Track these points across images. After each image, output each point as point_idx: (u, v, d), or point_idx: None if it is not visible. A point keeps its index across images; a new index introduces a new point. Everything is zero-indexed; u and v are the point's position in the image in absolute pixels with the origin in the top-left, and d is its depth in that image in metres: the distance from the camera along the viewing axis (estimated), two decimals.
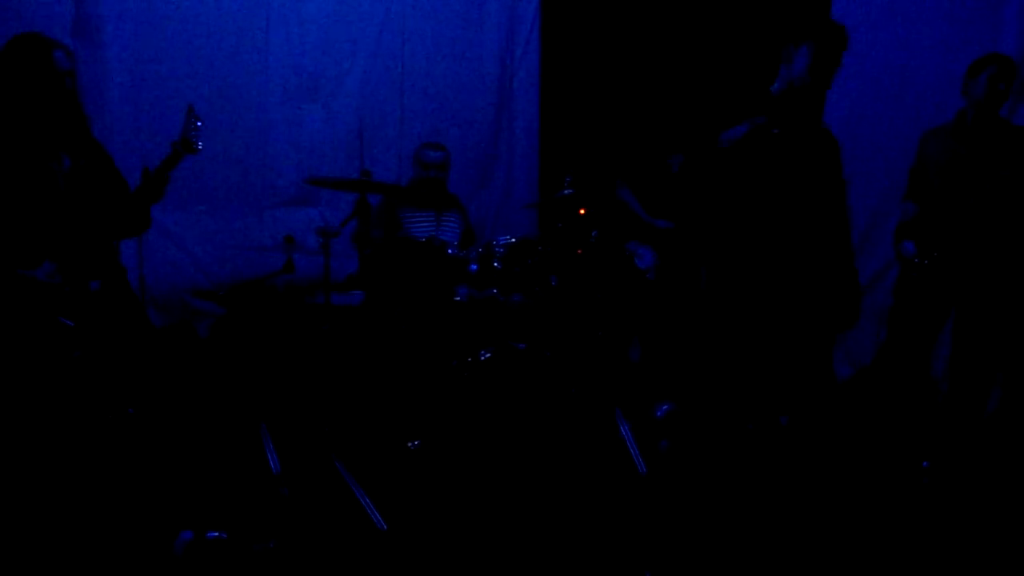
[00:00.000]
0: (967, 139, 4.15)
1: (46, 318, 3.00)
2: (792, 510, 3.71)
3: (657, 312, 4.99)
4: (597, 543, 3.40)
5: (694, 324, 4.98)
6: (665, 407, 4.50)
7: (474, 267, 4.22)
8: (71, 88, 3.20)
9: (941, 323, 4.31)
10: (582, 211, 4.59)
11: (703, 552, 3.38)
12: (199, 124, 3.51)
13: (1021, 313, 4.22)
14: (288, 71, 5.64)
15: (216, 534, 3.15)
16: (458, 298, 4.27)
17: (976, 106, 4.13)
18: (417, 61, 6.02)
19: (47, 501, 3.02)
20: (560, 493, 3.74)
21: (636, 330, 5.16)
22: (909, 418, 4.39)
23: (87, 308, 3.09)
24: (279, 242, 4.35)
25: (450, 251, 4.23)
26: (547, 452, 3.93)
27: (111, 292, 3.23)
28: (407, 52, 5.99)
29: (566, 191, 4.51)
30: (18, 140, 3.11)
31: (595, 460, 3.97)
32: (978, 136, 4.12)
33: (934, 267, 4.15)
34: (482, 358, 4.06)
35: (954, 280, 4.14)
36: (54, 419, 3.04)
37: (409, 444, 3.87)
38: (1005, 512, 3.71)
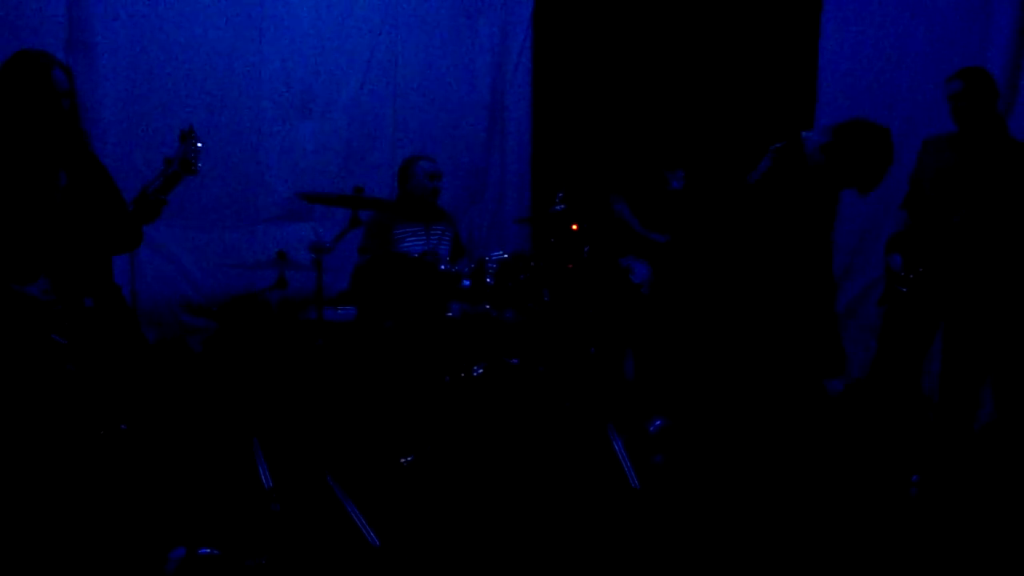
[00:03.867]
0: (959, 150, 4.16)
1: (39, 334, 2.99)
2: (784, 523, 3.71)
3: (651, 326, 4.99)
4: (590, 557, 3.40)
5: (688, 337, 4.98)
6: (658, 422, 4.51)
7: (467, 283, 4.23)
8: (69, 107, 3.20)
9: (930, 337, 4.31)
10: (574, 226, 4.60)
11: (696, 566, 3.37)
12: (199, 145, 3.52)
13: (1009, 326, 4.24)
14: (281, 87, 5.65)
15: (208, 550, 3.14)
16: (451, 314, 4.27)
17: (955, 119, 4.17)
18: (409, 77, 6.04)
19: (39, 517, 3.00)
20: (553, 508, 3.74)
21: (630, 345, 5.16)
22: (900, 431, 4.40)
23: (81, 325, 3.09)
24: (271, 257, 4.34)
25: (442, 267, 4.23)
26: (540, 467, 3.93)
27: (105, 309, 3.22)
28: (399, 68, 6.01)
29: (558, 206, 4.53)
30: (15, 156, 3.11)
31: (588, 475, 3.97)
32: (970, 148, 4.13)
33: (919, 282, 4.16)
34: (475, 374, 4.06)
35: (941, 294, 4.14)
36: (46, 434, 3.03)
37: (402, 460, 3.86)
38: (992, 523, 3.72)
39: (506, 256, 4.28)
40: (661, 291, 5.03)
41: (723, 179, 4.99)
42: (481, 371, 4.07)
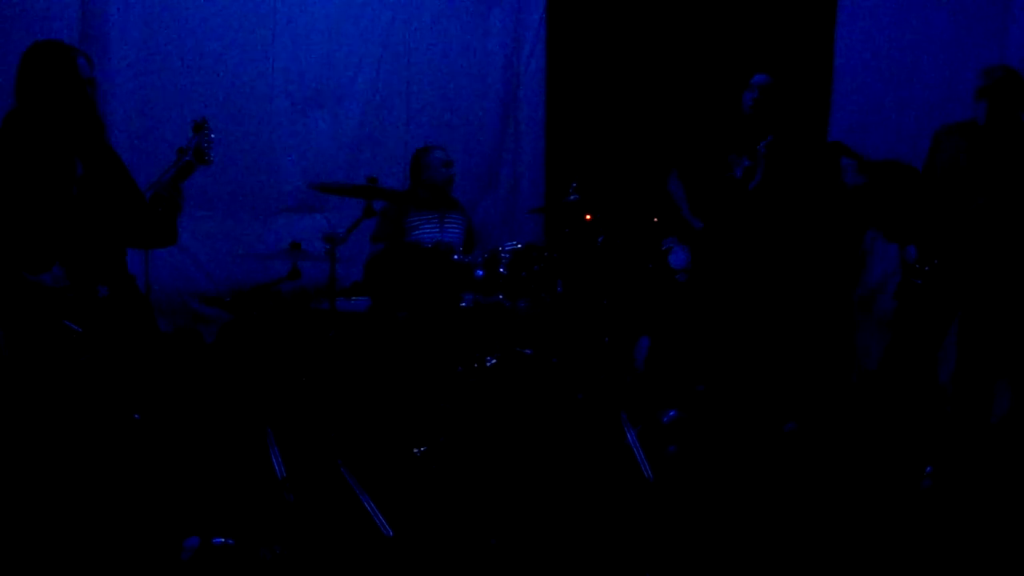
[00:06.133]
0: (973, 139, 4.12)
1: (53, 323, 3.00)
2: (797, 514, 3.70)
3: (680, 314, 4.92)
4: (603, 548, 3.39)
5: (718, 328, 4.93)
6: (671, 413, 4.50)
7: (480, 273, 4.22)
8: (91, 96, 3.21)
9: (945, 328, 4.28)
10: (588, 217, 4.58)
11: (708, 557, 3.37)
12: (212, 136, 3.54)
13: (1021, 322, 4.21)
14: (294, 78, 5.65)
15: (222, 540, 3.15)
16: (464, 304, 4.27)
17: (986, 111, 4.12)
18: (422, 68, 6.03)
19: (54, 506, 3.02)
20: (566, 498, 3.73)
21: (647, 330, 5.10)
22: (914, 423, 4.37)
23: (95, 313, 3.09)
24: (285, 248, 4.34)
25: (456, 257, 4.23)
26: (553, 458, 3.93)
27: (120, 298, 3.23)
28: (413, 59, 5.99)
29: (572, 197, 4.51)
30: (36, 145, 3.10)
31: (601, 466, 3.97)
32: (988, 137, 4.09)
33: (934, 274, 4.13)
34: (488, 364, 4.06)
35: (956, 286, 4.11)
36: (61, 424, 3.04)
37: (415, 450, 3.86)
38: (1005, 517, 3.70)
39: (520, 246, 4.27)
40: (698, 279, 4.94)
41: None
42: (494, 361, 4.07)
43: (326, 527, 3.42)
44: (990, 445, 4.26)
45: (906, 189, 4.21)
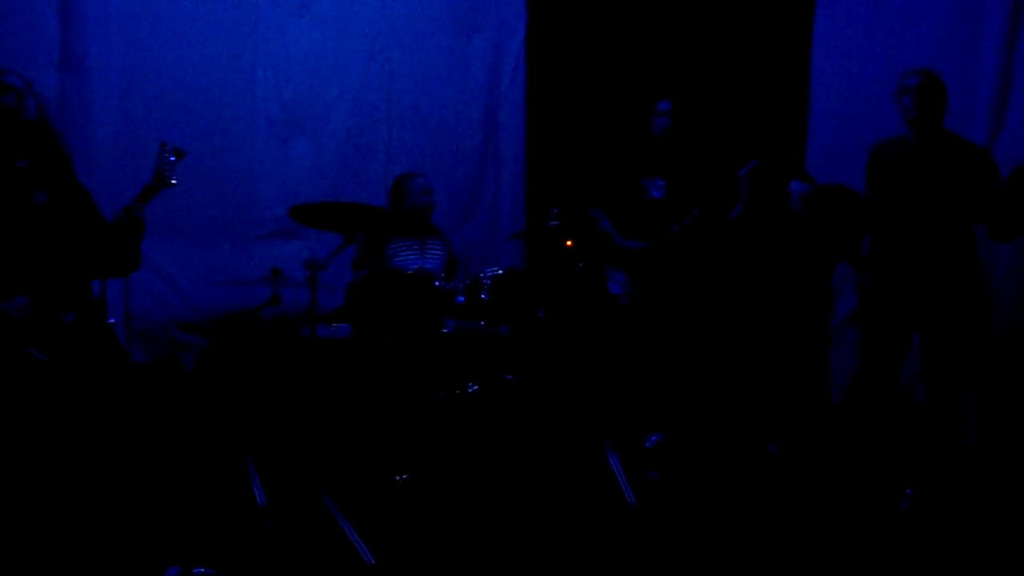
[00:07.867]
0: (908, 156, 4.09)
1: (17, 350, 2.99)
2: (778, 538, 3.71)
3: (633, 337, 4.98)
4: (586, 574, 3.39)
5: (668, 349, 5.01)
6: (654, 437, 4.50)
7: (461, 299, 4.22)
8: (52, 131, 3.22)
9: (905, 347, 4.22)
10: (569, 243, 4.61)
11: None
12: (172, 159, 3.56)
13: (979, 330, 4.21)
14: (275, 104, 5.65)
15: (203, 570, 3.12)
16: (445, 330, 4.27)
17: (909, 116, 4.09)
18: (403, 94, 6.05)
19: (31, 536, 2.99)
20: (549, 525, 3.72)
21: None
22: (891, 444, 4.39)
23: (61, 340, 3.09)
24: (266, 274, 4.34)
25: (437, 283, 4.23)
26: (536, 484, 3.92)
27: (86, 325, 3.22)
28: (393, 85, 6.01)
29: (553, 222, 4.53)
30: None
31: (584, 491, 3.96)
32: (919, 153, 4.06)
33: (888, 295, 4.12)
34: (470, 390, 4.05)
35: (909, 304, 4.10)
36: (35, 452, 3.02)
37: (397, 477, 3.85)
38: (983, 537, 3.72)
39: (501, 272, 4.28)
40: (641, 301, 5.02)
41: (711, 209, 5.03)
42: (476, 388, 4.06)
43: (307, 555, 3.40)
44: (965, 465, 4.27)
45: (844, 213, 4.21)
